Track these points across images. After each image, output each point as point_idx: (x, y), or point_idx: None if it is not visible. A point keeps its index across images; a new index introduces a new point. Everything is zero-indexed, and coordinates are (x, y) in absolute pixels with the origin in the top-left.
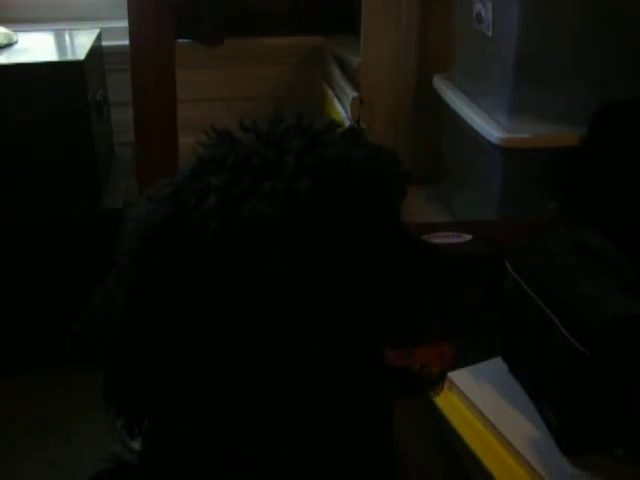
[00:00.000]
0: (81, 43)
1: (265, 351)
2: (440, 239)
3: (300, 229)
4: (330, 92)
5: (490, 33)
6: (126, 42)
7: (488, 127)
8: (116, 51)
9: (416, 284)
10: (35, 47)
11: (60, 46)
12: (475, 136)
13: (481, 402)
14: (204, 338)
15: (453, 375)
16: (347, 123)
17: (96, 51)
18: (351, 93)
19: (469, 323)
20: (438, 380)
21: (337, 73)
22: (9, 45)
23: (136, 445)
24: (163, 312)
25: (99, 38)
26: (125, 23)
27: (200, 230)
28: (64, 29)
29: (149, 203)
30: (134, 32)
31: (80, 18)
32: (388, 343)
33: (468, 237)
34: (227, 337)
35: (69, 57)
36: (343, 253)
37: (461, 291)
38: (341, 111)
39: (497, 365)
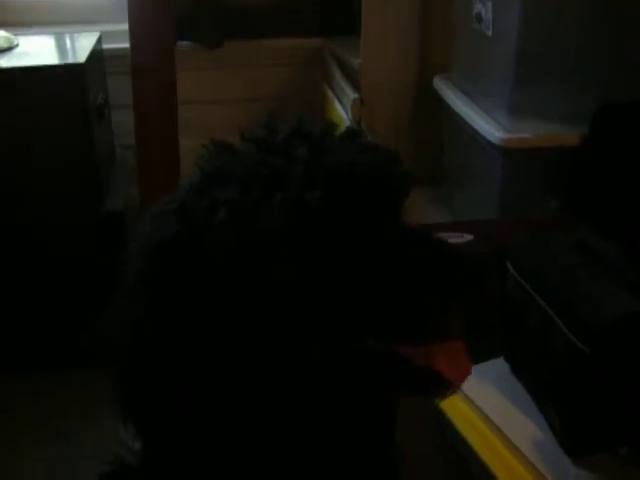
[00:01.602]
0: (82, 46)
1: (273, 356)
2: None
3: (313, 237)
4: (331, 93)
5: (490, 33)
6: (127, 45)
7: (488, 127)
8: (117, 54)
9: (426, 284)
10: (36, 50)
11: (61, 49)
12: (475, 136)
13: (483, 402)
14: (213, 349)
15: None
16: (348, 124)
17: (97, 54)
18: (352, 94)
19: (476, 322)
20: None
21: (338, 74)
22: (10, 49)
23: (138, 446)
24: (174, 330)
25: (100, 41)
26: (126, 26)
27: (212, 244)
28: (65, 32)
29: (154, 221)
30: (135, 35)
31: (81, 21)
32: (404, 342)
33: (469, 237)
34: (236, 345)
35: (70, 60)
36: (352, 257)
37: (477, 286)
38: (342, 112)
39: (499, 365)
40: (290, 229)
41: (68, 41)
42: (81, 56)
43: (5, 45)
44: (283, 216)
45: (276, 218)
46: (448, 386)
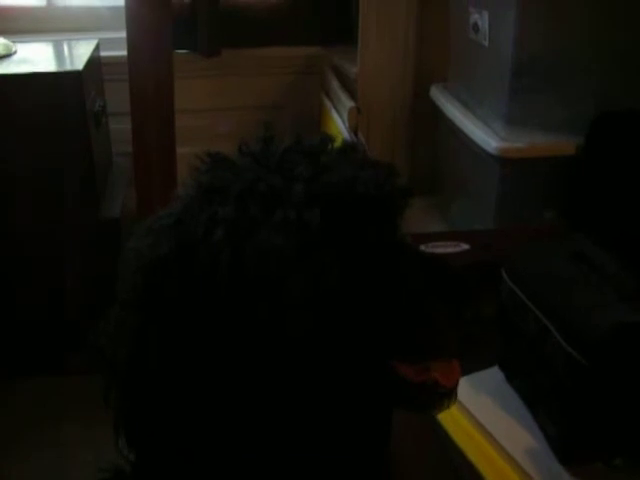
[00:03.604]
0: (79, 53)
1: (275, 366)
2: (438, 249)
3: (313, 256)
4: (328, 102)
5: (486, 43)
6: (124, 52)
7: (485, 136)
8: (114, 61)
9: (427, 300)
10: (34, 57)
11: (59, 56)
12: (472, 145)
13: (478, 411)
14: (214, 364)
15: None
16: (345, 133)
17: (94, 61)
18: (349, 103)
19: (479, 335)
20: (450, 393)
21: (335, 83)
22: (8, 55)
23: (132, 457)
24: (174, 348)
25: (97, 48)
26: (123, 33)
27: (210, 262)
28: (63, 40)
29: (150, 235)
30: (132, 42)
31: (79, 29)
32: (402, 359)
33: (465, 247)
34: (237, 359)
35: (67, 67)
36: (353, 273)
37: (477, 303)
38: (339, 121)
39: (494, 374)
40: (290, 248)
41: (66, 48)
42: (79, 63)
43: (3, 52)
44: (283, 235)
45: (276, 237)
46: (443, 398)
